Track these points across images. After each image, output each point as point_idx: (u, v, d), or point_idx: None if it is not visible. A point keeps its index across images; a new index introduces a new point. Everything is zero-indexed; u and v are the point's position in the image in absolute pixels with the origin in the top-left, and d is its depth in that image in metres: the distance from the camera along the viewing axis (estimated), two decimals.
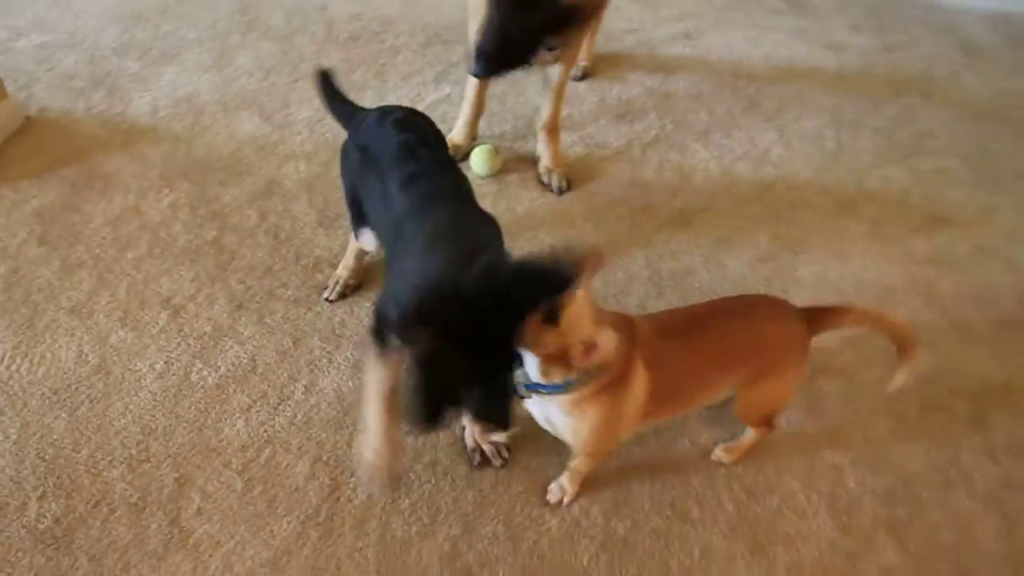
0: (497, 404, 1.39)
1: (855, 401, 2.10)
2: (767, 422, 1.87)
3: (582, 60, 3.12)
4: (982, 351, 2.25)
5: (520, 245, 2.40)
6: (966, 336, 2.29)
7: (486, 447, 1.90)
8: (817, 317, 1.72)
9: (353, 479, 1.87)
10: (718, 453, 1.96)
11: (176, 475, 1.87)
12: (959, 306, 2.37)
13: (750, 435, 1.92)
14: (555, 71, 2.49)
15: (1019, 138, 3.06)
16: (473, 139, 2.73)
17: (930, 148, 2.96)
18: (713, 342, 1.64)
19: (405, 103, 2.94)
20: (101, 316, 2.18)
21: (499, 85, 2.89)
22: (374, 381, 1.67)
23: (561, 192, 2.62)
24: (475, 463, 1.90)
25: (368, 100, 2.96)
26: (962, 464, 2.00)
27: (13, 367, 2.06)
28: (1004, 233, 2.63)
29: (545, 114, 2.60)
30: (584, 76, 3.15)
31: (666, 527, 1.84)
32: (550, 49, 2.17)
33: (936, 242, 2.57)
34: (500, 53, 1.96)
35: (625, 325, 1.50)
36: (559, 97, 2.56)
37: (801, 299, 1.78)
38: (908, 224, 2.63)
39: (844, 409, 2.09)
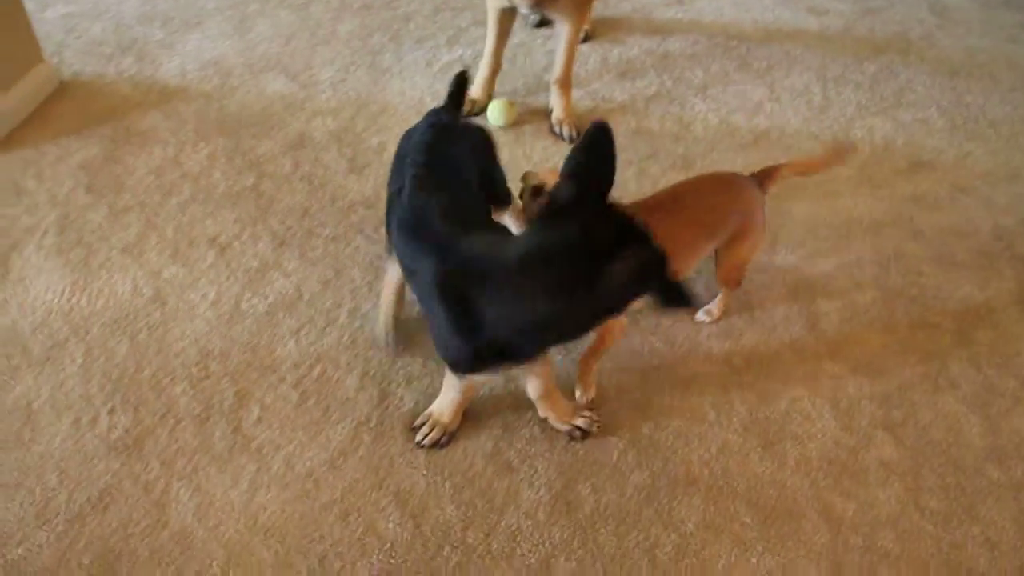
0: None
1: (851, 320, 2.30)
2: (739, 280, 2.18)
3: (584, 25, 3.30)
4: (964, 276, 2.46)
5: None
6: (949, 264, 2.50)
7: (580, 421, 1.98)
8: (765, 179, 2.10)
9: (400, 389, 2.05)
10: (702, 316, 2.26)
11: (235, 390, 2.04)
12: (941, 238, 2.58)
13: (722, 295, 2.23)
14: (565, 29, 2.69)
15: (990, 91, 3.29)
16: (490, 95, 2.93)
17: (909, 100, 3.18)
18: (694, 213, 1.97)
19: (420, 66, 3.13)
20: (152, 254, 2.34)
21: (510, 48, 3.06)
22: (389, 276, 2.02)
23: (571, 140, 2.82)
24: (576, 437, 1.98)
25: (386, 61, 3.15)
26: (949, 373, 2.20)
27: (73, 300, 2.22)
28: (980, 175, 2.85)
29: (558, 69, 2.79)
30: (586, 39, 3.33)
31: (686, 427, 2.03)
32: None
33: (918, 183, 2.78)
34: None
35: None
36: (571, 53, 2.75)
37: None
38: (892, 167, 2.84)
39: (841, 327, 2.29)
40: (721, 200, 2.03)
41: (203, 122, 2.79)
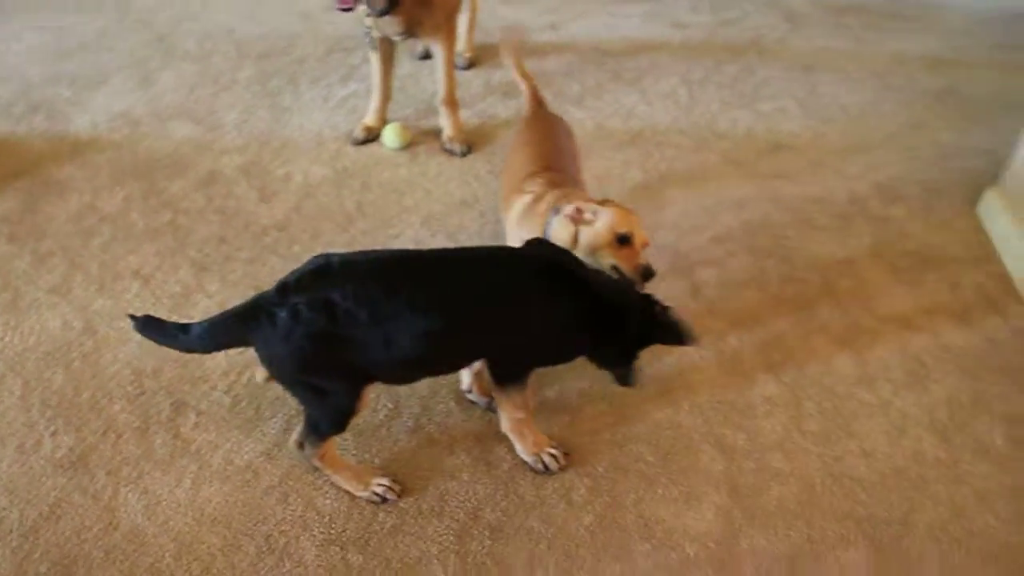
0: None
1: (727, 283, 2.57)
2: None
3: (466, 52, 3.59)
4: (825, 236, 2.77)
5: (437, 198, 2.86)
6: (811, 228, 2.81)
7: (545, 457, 2.06)
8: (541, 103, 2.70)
9: None
10: None
11: (171, 401, 2.18)
12: (802, 207, 2.89)
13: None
14: (438, 51, 2.97)
15: (840, 81, 3.69)
16: (384, 122, 3.16)
17: (767, 94, 3.55)
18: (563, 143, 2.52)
19: (318, 102, 3.35)
20: (79, 291, 2.48)
21: (400, 79, 3.30)
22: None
23: (463, 155, 3.06)
24: (539, 471, 2.06)
25: (286, 101, 3.36)
26: (819, 317, 2.48)
27: (6, 339, 2.34)
28: (833, 151, 3.21)
29: (442, 91, 3.05)
30: (470, 66, 3.61)
31: (589, 388, 2.25)
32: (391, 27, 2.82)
33: (779, 162, 3.12)
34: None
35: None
36: (448, 72, 3.02)
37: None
38: (755, 151, 3.18)
39: (719, 290, 2.55)
40: (562, 127, 2.62)
41: (116, 169, 2.94)
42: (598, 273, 1.99)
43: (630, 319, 1.91)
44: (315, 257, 1.84)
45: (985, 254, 2.77)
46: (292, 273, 1.82)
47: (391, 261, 1.87)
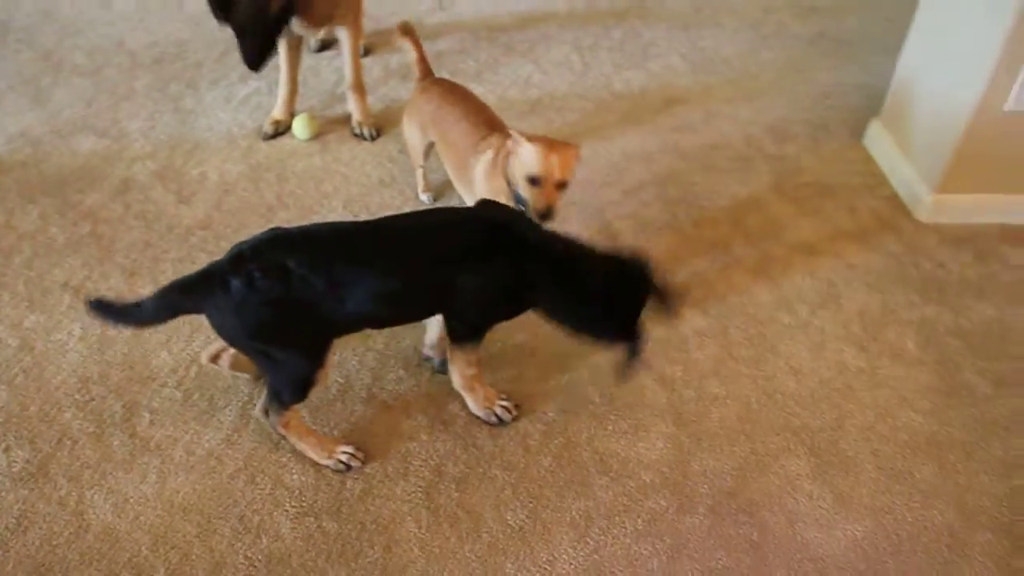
0: None
1: (643, 230, 2.75)
2: None
3: (361, 40, 3.62)
4: (729, 178, 2.96)
5: (355, 181, 2.92)
6: (714, 171, 2.99)
7: (497, 410, 2.17)
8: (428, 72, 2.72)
9: None
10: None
11: (122, 403, 2.20)
12: (704, 153, 3.07)
13: None
14: (345, 37, 3.01)
15: (719, 35, 3.93)
16: (292, 114, 3.19)
17: (655, 53, 3.74)
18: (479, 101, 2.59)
19: (220, 103, 3.36)
20: (8, 309, 2.46)
21: (301, 72, 3.32)
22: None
23: (372, 139, 3.13)
24: (493, 423, 2.17)
25: (189, 104, 3.35)
26: (733, 252, 2.66)
27: None
28: (723, 100, 3.42)
29: (349, 76, 3.09)
30: (367, 53, 3.65)
31: (529, 341, 2.36)
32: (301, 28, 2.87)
33: (675, 116, 3.31)
34: (258, 56, 2.66)
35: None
36: (355, 59, 3.06)
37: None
38: (651, 108, 3.35)
39: (636, 237, 2.72)
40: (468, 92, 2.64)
41: (26, 187, 2.91)
42: (548, 233, 2.02)
43: (588, 275, 1.92)
44: (269, 229, 1.89)
45: (876, 180, 2.99)
46: (244, 242, 1.85)
47: (344, 229, 1.93)
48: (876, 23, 4.01)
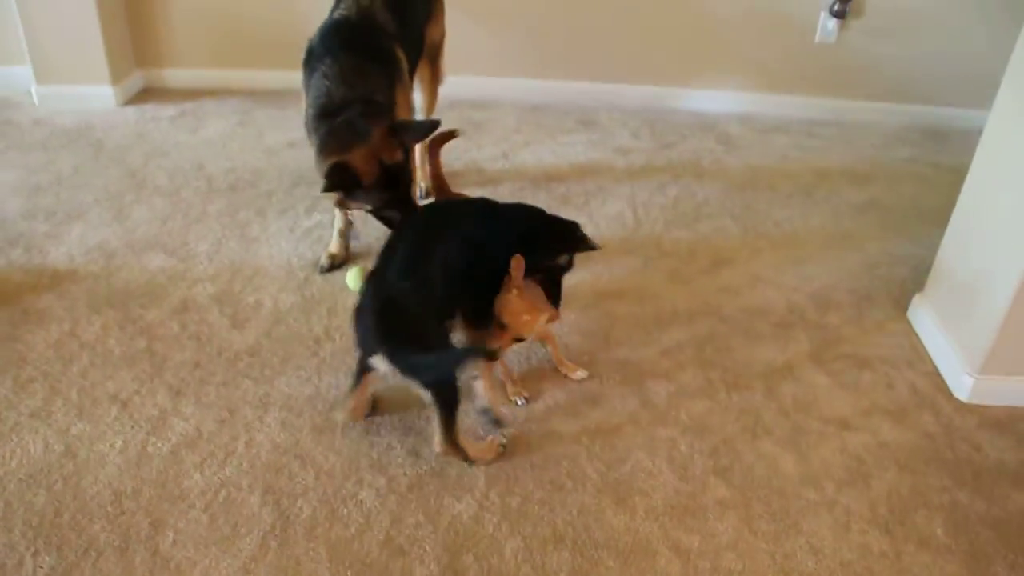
0: None
1: (676, 393, 2.77)
2: None
3: (422, 182, 3.79)
4: (767, 345, 2.99)
5: None
6: (753, 337, 3.02)
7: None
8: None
9: (299, 500, 2.33)
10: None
11: (149, 520, 2.27)
12: (745, 318, 3.11)
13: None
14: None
15: (771, 200, 4.04)
16: (347, 248, 3.36)
17: (707, 213, 3.84)
18: None
19: (284, 232, 3.54)
20: (59, 415, 2.58)
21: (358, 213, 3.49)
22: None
23: None
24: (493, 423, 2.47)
25: (254, 232, 3.54)
26: (763, 422, 2.67)
27: None
28: (770, 265, 3.47)
29: None
30: (428, 195, 3.80)
31: (548, 497, 2.38)
32: None
33: (721, 277, 3.37)
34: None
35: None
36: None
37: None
38: (698, 268, 3.41)
39: (669, 400, 2.74)
40: None
41: (93, 298, 3.08)
42: None
43: None
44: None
45: (917, 356, 3.00)
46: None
47: None
48: (930, 194, 4.09)
